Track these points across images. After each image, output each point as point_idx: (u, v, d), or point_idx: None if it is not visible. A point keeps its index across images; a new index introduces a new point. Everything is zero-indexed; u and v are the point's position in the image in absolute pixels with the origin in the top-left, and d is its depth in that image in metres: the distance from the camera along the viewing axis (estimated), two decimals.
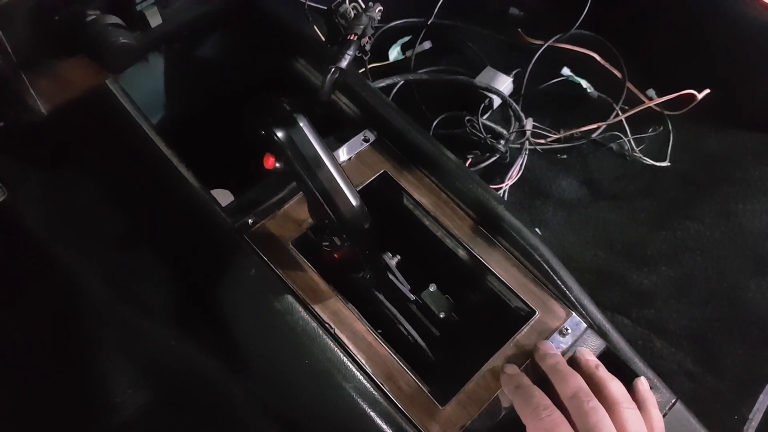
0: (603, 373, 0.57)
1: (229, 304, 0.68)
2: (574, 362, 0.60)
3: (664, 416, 0.61)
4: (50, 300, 0.76)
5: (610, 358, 0.62)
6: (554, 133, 1.04)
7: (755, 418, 0.79)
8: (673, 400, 0.62)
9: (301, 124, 0.56)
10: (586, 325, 0.64)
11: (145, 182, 0.75)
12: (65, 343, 0.73)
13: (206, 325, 0.72)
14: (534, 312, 0.64)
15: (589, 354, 0.61)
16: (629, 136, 1.02)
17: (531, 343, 0.62)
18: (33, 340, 0.73)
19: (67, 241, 0.77)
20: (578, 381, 0.55)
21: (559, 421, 0.52)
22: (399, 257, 0.70)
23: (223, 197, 0.75)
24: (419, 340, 0.66)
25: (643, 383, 0.59)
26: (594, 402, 0.53)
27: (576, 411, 0.53)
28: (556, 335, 0.63)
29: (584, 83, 1.09)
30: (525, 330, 0.63)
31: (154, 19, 0.57)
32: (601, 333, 0.64)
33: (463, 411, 0.58)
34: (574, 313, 0.64)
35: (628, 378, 0.60)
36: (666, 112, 1.06)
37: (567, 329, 0.63)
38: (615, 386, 0.56)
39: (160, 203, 0.74)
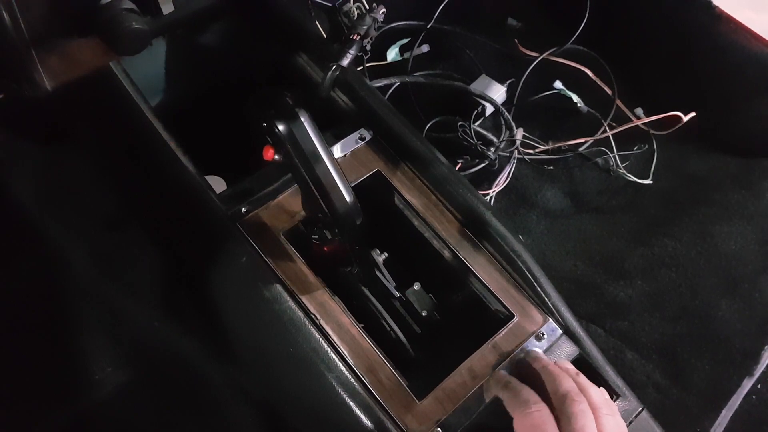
0: (584, 380, 0.58)
1: (217, 289, 0.69)
2: None
3: (629, 424, 0.63)
4: (35, 274, 0.76)
5: (582, 365, 0.64)
6: (543, 145, 1.06)
7: None
8: (640, 409, 0.65)
9: (303, 119, 0.57)
10: (561, 332, 0.66)
11: (141, 164, 0.76)
12: (48, 318, 0.73)
13: (191, 308, 0.72)
14: (513, 316, 0.66)
15: (569, 364, 0.62)
16: (615, 152, 1.05)
17: (509, 346, 0.64)
18: (16, 313, 0.74)
19: (59, 217, 0.77)
20: (570, 382, 0.56)
21: (546, 418, 0.53)
22: (386, 254, 0.71)
23: (216, 184, 0.75)
24: (401, 336, 0.68)
25: (604, 393, 0.60)
26: (585, 405, 0.54)
27: (565, 410, 0.53)
28: (532, 339, 0.65)
29: (575, 98, 1.11)
30: (503, 332, 0.65)
31: (167, 6, 0.58)
32: (575, 340, 0.66)
33: (440, 406, 0.60)
34: (550, 319, 0.66)
35: (597, 385, 0.61)
36: (652, 132, 1.08)
37: (543, 334, 0.65)
38: (595, 392, 0.57)
39: (154, 186, 0.75)
